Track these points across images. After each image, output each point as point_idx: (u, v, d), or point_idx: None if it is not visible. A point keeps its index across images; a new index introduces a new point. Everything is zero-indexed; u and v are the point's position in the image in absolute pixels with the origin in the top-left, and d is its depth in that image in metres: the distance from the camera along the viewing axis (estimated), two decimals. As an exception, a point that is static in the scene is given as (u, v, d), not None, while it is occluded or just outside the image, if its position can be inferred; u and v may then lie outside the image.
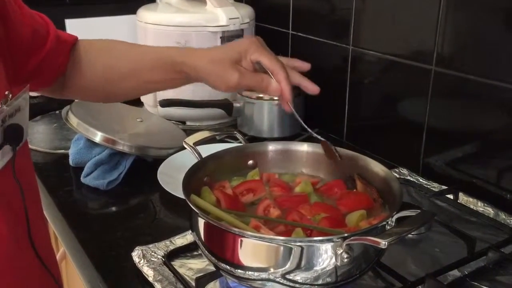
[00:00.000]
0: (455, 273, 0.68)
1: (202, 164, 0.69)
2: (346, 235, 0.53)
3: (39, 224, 0.61)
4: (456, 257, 0.70)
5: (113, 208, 0.90)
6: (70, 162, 0.99)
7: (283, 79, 0.65)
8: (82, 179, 0.94)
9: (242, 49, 0.65)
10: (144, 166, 0.98)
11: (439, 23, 0.89)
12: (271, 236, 0.57)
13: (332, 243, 0.54)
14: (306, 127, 0.70)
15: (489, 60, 0.84)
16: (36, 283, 0.58)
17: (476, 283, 0.67)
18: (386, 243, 0.50)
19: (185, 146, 0.72)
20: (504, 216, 0.80)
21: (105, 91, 0.75)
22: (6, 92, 0.51)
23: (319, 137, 0.71)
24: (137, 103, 1.26)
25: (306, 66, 0.72)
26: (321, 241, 0.55)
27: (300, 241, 0.55)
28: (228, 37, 1.18)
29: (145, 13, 1.22)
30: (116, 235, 0.80)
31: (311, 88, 0.69)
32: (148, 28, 1.20)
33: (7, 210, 0.52)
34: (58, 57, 0.69)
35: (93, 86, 0.73)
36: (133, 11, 1.26)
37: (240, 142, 0.80)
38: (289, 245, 0.54)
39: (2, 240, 0.52)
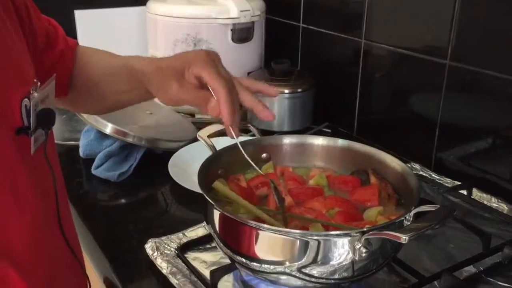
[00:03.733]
0: (471, 269, 0.67)
1: (217, 157, 0.69)
2: (365, 229, 0.53)
3: (66, 210, 0.62)
4: (471, 253, 0.69)
5: (124, 200, 0.90)
6: (81, 154, 0.99)
7: (223, 97, 0.58)
8: (93, 171, 0.93)
9: (186, 61, 0.60)
10: (155, 159, 0.98)
11: (455, 16, 0.88)
12: (288, 230, 0.57)
13: (350, 238, 0.53)
14: (254, 165, 0.65)
15: (504, 55, 0.83)
16: (65, 269, 0.58)
17: (491, 279, 0.66)
18: (406, 238, 0.49)
19: (199, 139, 0.72)
20: (518, 212, 0.80)
21: (84, 99, 0.74)
22: (35, 80, 0.51)
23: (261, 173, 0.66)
24: (146, 95, 1.25)
25: (272, 91, 0.66)
26: (339, 235, 0.55)
27: (318, 235, 0.55)
28: (238, 29, 1.17)
29: (155, 5, 1.21)
30: (127, 227, 0.79)
31: (265, 114, 0.62)
32: (158, 19, 1.19)
33: (39, 193, 0.53)
34: (68, 61, 0.69)
35: (78, 92, 0.72)
36: (143, 2, 1.25)
37: (252, 135, 0.80)
38: (306, 239, 0.54)
39: (34, 222, 0.52)
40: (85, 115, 0.98)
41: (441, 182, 0.90)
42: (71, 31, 1.30)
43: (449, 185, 0.89)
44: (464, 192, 0.86)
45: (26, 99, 0.50)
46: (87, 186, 0.93)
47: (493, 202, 0.83)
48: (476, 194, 0.85)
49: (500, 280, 0.66)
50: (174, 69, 0.61)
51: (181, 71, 0.61)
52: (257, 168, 0.65)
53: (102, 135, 0.97)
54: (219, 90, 0.58)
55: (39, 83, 0.52)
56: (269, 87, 0.67)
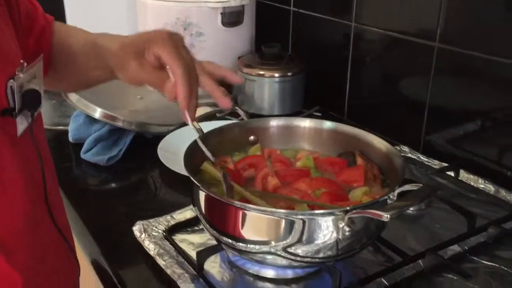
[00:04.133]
0: (455, 248, 0.68)
1: (204, 140, 0.69)
2: (348, 208, 0.53)
3: (56, 194, 0.61)
4: (456, 233, 0.70)
5: (113, 184, 0.90)
6: (70, 138, 0.99)
7: (179, 79, 0.57)
8: (82, 155, 0.93)
9: (148, 40, 0.60)
10: (144, 143, 0.98)
11: (443, -2, 0.88)
12: (273, 209, 0.57)
13: (333, 217, 0.54)
14: (211, 158, 0.63)
15: (493, 37, 0.83)
16: (53, 249, 0.59)
17: (476, 258, 0.67)
18: (388, 216, 0.50)
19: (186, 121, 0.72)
20: (504, 193, 0.80)
21: (60, 75, 0.72)
22: (21, 61, 0.51)
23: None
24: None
25: (236, 78, 0.66)
26: (323, 215, 0.55)
27: (302, 214, 0.55)
28: (228, 13, 1.16)
29: (144, -12, 1.20)
30: (116, 211, 0.80)
31: (223, 101, 0.62)
32: (147, 3, 1.18)
33: (27, 177, 0.53)
34: (49, 37, 0.68)
35: (54, 69, 0.70)
36: (132, -14, 1.24)
37: (242, 119, 0.80)
38: (291, 218, 0.54)
39: (22, 206, 0.52)
40: (74, 100, 0.98)
41: (429, 164, 0.91)
42: (60, 16, 1.29)
43: (437, 167, 0.89)
44: (451, 173, 0.86)
45: (11, 80, 0.49)
46: (76, 170, 0.93)
47: (480, 183, 0.84)
48: (464, 175, 0.86)
49: (484, 259, 0.67)
50: (135, 48, 0.60)
51: (142, 50, 0.60)
52: (212, 158, 0.64)
53: (91, 120, 0.97)
54: (176, 71, 0.57)
55: (25, 64, 0.51)
56: (233, 73, 0.66)
